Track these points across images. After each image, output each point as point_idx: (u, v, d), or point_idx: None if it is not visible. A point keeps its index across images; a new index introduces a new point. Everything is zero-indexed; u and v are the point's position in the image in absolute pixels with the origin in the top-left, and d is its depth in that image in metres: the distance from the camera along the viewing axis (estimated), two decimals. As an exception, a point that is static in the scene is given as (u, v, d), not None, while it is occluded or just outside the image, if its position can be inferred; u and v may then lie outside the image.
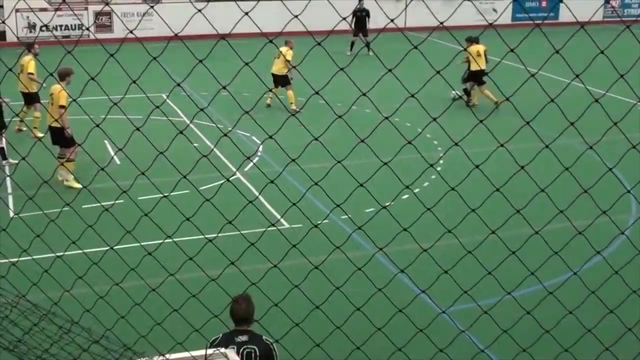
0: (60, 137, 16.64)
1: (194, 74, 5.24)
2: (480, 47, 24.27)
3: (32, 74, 20.20)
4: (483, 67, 24.23)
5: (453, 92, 23.90)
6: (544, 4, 45.08)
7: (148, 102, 4.85)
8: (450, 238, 5.91)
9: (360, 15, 33.50)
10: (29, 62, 20.29)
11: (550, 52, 4.34)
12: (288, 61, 23.16)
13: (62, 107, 16.38)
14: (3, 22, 5.22)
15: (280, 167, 17.25)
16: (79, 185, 16.25)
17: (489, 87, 24.01)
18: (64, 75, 16.52)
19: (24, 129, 21.07)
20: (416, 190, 15.96)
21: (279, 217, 14.55)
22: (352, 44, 33.84)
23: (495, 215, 6.13)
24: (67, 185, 16.70)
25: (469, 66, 24.35)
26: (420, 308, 9.82)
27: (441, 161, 17.91)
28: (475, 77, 24.43)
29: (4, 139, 18.31)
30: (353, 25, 33.60)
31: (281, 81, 23.68)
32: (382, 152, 5.29)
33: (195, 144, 17.82)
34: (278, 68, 23.67)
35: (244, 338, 7.12)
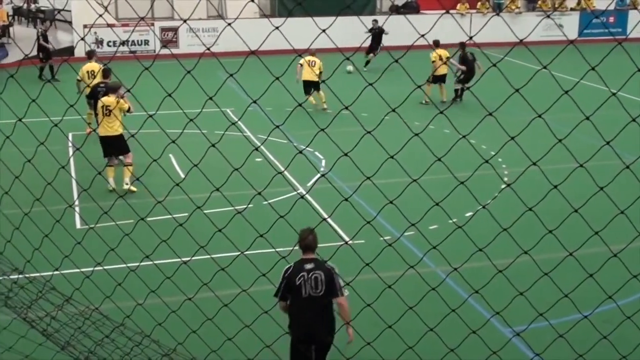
0: (120, 145, 17.17)
1: (258, 89, 5.26)
2: (443, 52, 27.03)
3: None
4: (445, 71, 27.02)
5: (424, 100, 26.92)
6: (611, 19, 44.43)
7: (211, 116, 4.87)
8: (513, 256, 5.78)
9: (375, 33, 34.03)
10: (100, 68, 21.43)
11: (618, 68, 4.27)
12: (321, 71, 25.82)
13: (128, 110, 17.35)
14: (82, 39, 5.32)
15: (342, 181, 17.25)
16: (134, 189, 16.91)
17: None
18: (117, 89, 17.42)
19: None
20: (479, 208, 15.79)
21: (341, 232, 14.54)
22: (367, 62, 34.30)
23: (565, 234, 6.01)
24: (126, 189, 17.08)
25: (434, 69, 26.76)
26: (488, 327, 9.67)
27: (506, 178, 17.72)
28: (438, 80, 27.01)
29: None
30: (370, 43, 34.15)
31: (316, 86, 25.76)
32: (442, 169, 5.25)
33: (257, 159, 17.92)
34: (315, 75, 25.64)
35: (310, 266, 8.50)
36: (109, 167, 17.53)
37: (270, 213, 5.24)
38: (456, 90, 27.35)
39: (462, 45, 25.72)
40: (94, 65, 22.06)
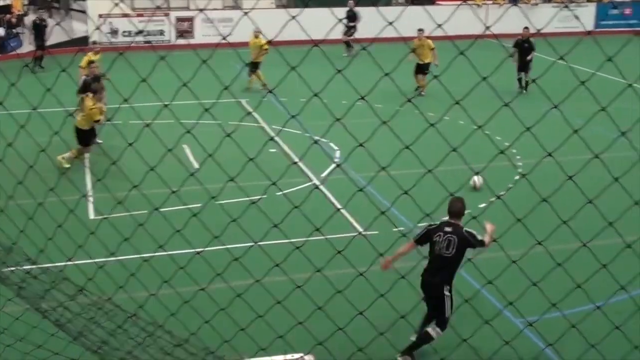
0: (81, 138, 18.67)
1: (273, 80, 5.23)
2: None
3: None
4: (429, 60, 26.04)
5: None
6: (627, 11, 44.10)
7: (226, 107, 4.84)
8: (524, 247, 5.74)
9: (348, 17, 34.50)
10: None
11: (635, 60, 4.21)
12: (266, 50, 26.59)
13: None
14: (98, 29, 5.29)
15: (356, 172, 17.21)
16: (67, 166, 18.02)
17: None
18: (82, 90, 19.54)
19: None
20: (492, 199, 15.71)
21: (355, 223, 14.51)
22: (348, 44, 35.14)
23: (578, 225, 5.96)
24: (59, 159, 17.92)
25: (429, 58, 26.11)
26: (500, 318, 9.68)
27: (520, 170, 17.64)
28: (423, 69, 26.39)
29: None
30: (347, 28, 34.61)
31: (256, 66, 27.11)
32: (456, 160, 5.19)
33: (272, 150, 17.88)
34: (257, 53, 27.02)
35: (449, 229, 9.82)
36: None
37: (284, 204, 5.21)
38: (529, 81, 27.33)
39: (527, 28, 26.68)
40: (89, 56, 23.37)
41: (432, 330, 9.75)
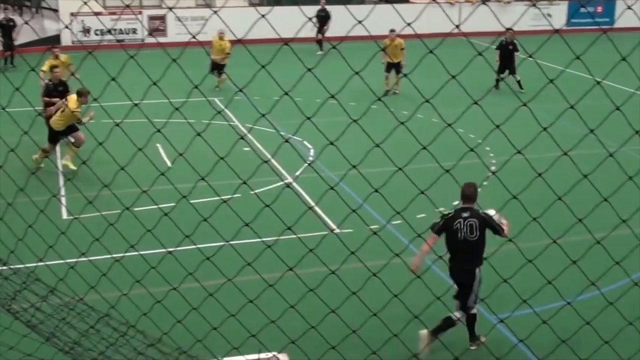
0: (56, 138, 18.89)
1: (245, 78, 5.23)
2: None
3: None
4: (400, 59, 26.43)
5: None
6: (599, 9, 44.48)
7: (200, 105, 4.84)
8: (497, 244, 5.80)
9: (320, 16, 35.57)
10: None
11: (607, 57, 4.26)
12: (228, 54, 27.28)
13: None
14: (67, 27, 5.26)
15: (330, 170, 17.23)
16: (41, 165, 18.16)
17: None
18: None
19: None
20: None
21: (329, 221, 14.52)
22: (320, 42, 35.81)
23: (550, 220, 6.00)
24: (34, 159, 18.07)
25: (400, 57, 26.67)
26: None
27: (493, 167, 17.74)
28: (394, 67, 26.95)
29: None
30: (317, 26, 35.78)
31: (221, 67, 27.29)
32: (432, 158, 5.20)
33: (245, 148, 17.86)
34: (221, 57, 27.37)
35: (466, 214, 10.03)
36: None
37: (258, 203, 5.21)
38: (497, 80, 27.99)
39: (510, 30, 26.49)
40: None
41: (453, 315, 9.98)
